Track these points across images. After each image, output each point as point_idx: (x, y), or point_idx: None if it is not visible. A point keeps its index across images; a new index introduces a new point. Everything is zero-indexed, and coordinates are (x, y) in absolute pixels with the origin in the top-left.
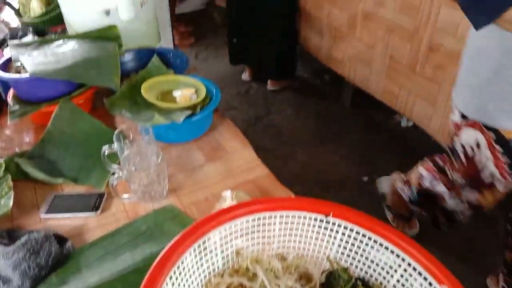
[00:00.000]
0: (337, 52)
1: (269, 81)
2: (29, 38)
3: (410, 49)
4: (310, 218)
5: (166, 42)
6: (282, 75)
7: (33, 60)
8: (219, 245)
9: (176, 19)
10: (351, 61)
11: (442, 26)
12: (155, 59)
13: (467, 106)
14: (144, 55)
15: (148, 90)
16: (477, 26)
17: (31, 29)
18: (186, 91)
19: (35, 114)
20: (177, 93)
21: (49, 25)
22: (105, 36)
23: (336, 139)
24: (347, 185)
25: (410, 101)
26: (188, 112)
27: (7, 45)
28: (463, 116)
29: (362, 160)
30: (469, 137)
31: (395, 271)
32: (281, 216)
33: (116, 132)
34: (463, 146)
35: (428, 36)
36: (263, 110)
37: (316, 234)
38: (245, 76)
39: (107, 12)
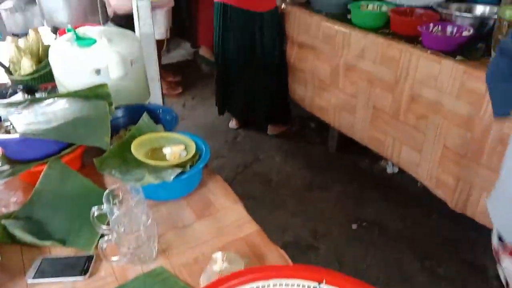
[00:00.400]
0: (321, 101)
1: (269, 127)
2: (19, 96)
3: (392, 99)
4: (303, 286)
5: (155, 96)
6: (276, 120)
7: (23, 120)
8: None
9: (164, 69)
10: (335, 109)
11: (421, 78)
12: (145, 117)
13: (503, 224)
14: (134, 111)
15: (138, 148)
16: (496, 113)
17: (21, 87)
18: (175, 148)
19: (23, 173)
20: (167, 150)
21: (39, 83)
22: (96, 94)
23: (323, 186)
24: (336, 232)
25: (396, 148)
26: (178, 170)
27: None
28: (501, 238)
29: (350, 207)
30: (509, 270)
31: None
32: (275, 285)
33: (105, 192)
34: (507, 284)
35: (409, 87)
36: (251, 157)
37: None
38: (232, 124)
39: (98, 71)
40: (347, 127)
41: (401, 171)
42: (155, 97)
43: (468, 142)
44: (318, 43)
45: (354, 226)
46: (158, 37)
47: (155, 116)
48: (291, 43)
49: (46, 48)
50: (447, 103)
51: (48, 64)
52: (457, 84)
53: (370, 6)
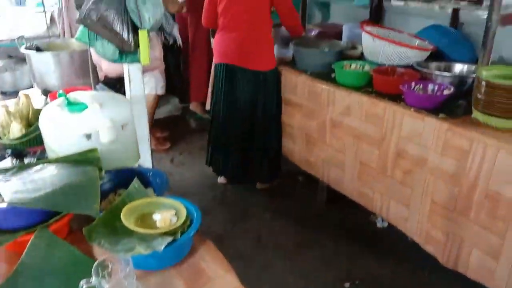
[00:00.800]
0: (310, 155)
1: (258, 182)
2: (7, 161)
3: (379, 155)
4: None
5: (145, 157)
6: (269, 177)
7: (11, 188)
8: None
9: (152, 125)
10: (324, 164)
11: (406, 135)
12: (135, 183)
13: None
14: (123, 175)
15: (128, 215)
16: None
17: (9, 151)
18: (166, 214)
19: (9, 243)
20: (157, 217)
21: (28, 146)
22: (85, 159)
23: (314, 242)
24: None
25: (385, 203)
26: (169, 239)
27: None
28: None
29: (343, 264)
30: None
31: None
32: None
33: (94, 265)
34: None
35: (394, 143)
36: (240, 214)
37: None
38: (221, 179)
39: (88, 136)
40: (336, 181)
41: (392, 225)
42: (145, 158)
43: (456, 197)
44: (305, 100)
45: (347, 285)
46: (160, 92)
47: (145, 178)
48: None
49: (36, 112)
50: (433, 159)
51: (37, 128)
52: (441, 141)
53: (353, 66)
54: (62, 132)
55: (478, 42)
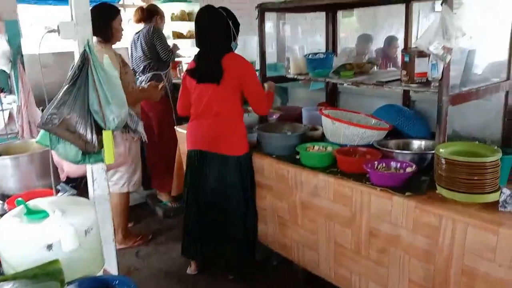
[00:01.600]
0: (283, 238)
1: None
2: None
3: (352, 235)
4: None
5: (110, 260)
6: (244, 266)
7: None
8: None
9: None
10: (298, 246)
11: (376, 213)
12: None
13: None
14: (88, 285)
15: None
16: None
17: None
18: None
19: None
20: None
21: None
22: (46, 272)
23: None
24: None
25: (363, 284)
26: None
27: None
28: None
29: None
30: None
31: None
32: None
33: None
34: None
35: (366, 222)
36: None
37: None
38: (191, 270)
39: (49, 247)
40: (312, 264)
41: None
42: (110, 261)
43: (432, 274)
44: (273, 182)
45: None
46: (132, 189)
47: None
48: None
49: None
50: (405, 237)
51: None
52: (411, 219)
53: (316, 147)
54: (21, 244)
55: (430, 117)
